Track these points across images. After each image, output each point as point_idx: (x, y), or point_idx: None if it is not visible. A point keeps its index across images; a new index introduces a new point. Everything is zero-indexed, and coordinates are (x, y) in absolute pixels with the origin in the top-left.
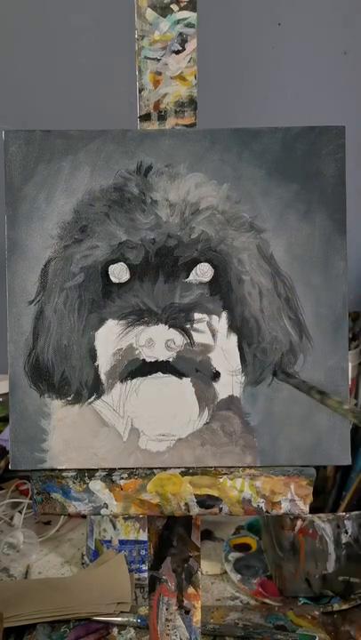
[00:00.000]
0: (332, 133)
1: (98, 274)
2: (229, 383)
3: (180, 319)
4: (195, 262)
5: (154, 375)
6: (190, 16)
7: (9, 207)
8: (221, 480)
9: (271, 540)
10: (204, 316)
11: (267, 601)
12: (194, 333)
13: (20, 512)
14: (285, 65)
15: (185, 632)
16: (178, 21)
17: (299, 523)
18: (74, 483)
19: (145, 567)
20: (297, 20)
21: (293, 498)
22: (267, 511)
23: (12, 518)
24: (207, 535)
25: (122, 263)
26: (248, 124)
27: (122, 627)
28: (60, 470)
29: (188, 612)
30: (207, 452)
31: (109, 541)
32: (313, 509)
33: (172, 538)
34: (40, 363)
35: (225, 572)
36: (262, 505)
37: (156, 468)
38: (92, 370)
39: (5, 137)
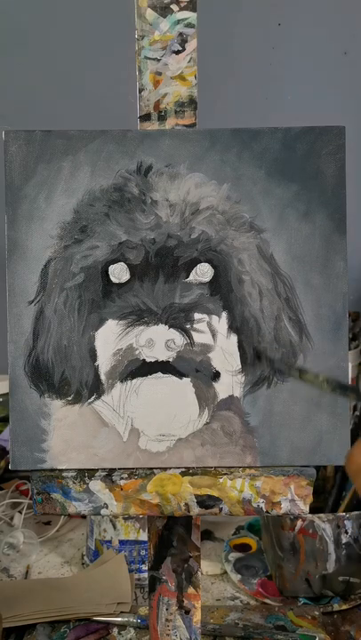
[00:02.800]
0: (333, 133)
1: (98, 274)
2: (229, 383)
3: (180, 319)
4: (195, 262)
5: (154, 375)
6: (190, 16)
7: (9, 207)
8: (221, 480)
9: (271, 540)
10: (204, 316)
11: (267, 601)
12: (194, 333)
13: (20, 512)
14: (285, 65)
15: (185, 632)
16: (178, 21)
17: (299, 523)
18: (74, 483)
19: (145, 567)
20: (297, 20)
21: (293, 498)
22: (267, 511)
23: (12, 518)
24: (207, 535)
25: (122, 263)
26: (248, 124)
27: (122, 627)
28: (60, 470)
29: (188, 612)
30: (207, 452)
31: (109, 541)
32: (313, 509)
33: (172, 538)
34: (40, 363)
35: (225, 572)
36: (262, 505)
37: (156, 468)
38: (92, 370)
39: (5, 137)
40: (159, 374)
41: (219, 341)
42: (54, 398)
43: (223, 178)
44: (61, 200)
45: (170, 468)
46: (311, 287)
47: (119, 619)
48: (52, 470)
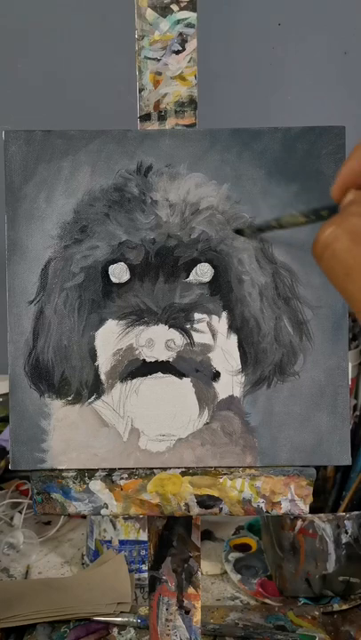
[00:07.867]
0: (333, 133)
1: (98, 274)
2: (229, 383)
3: (180, 319)
4: (195, 262)
5: (154, 375)
6: (190, 16)
7: (9, 207)
8: (221, 480)
9: (271, 540)
10: (204, 316)
11: (267, 601)
12: (194, 333)
13: (20, 512)
14: (285, 65)
15: (185, 632)
16: (178, 21)
17: (299, 523)
18: (74, 483)
19: (145, 567)
20: (297, 20)
21: (293, 498)
22: (267, 511)
23: (12, 518)
24: (207, 535)
25: (122, 263)
26: (248, 124)
27: (122, 627)
28: (60, 470)
29: (188, 612)
30: (207, 452)
31: (109, 541)
32: (313, 509)
33: (172, 538)
34: (40, 363)
35: (225, 572)
36: (262, 505)
37: (156, 468)
38: (92, 370)
39: (5, 137)
40: (159, 374)
41: (219, 341)
42: (54, 398)
43: (223, 178)
44: (61, 200)
45: (170, 468)
46: (311, 287)
47: (119, 619)
48: (52, 470)
